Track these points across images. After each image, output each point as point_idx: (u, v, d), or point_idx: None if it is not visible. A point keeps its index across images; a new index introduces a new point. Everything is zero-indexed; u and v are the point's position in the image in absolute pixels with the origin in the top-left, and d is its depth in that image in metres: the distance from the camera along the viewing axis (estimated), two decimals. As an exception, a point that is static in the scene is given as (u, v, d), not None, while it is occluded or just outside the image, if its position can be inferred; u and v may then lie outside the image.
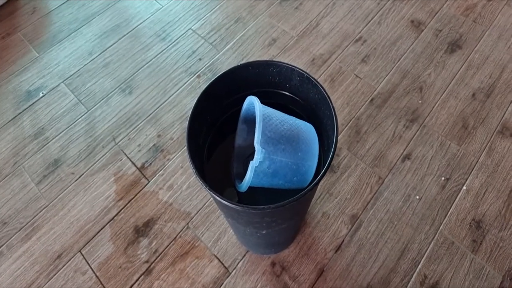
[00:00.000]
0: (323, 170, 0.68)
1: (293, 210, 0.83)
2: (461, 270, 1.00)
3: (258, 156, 0.66)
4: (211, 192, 0.67)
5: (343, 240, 1.06)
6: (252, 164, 0.67)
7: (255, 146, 0.65)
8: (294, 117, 0.76)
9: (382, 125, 1.25)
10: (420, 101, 1.29)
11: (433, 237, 1.05)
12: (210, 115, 0.84)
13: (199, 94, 0.75)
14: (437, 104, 1.28)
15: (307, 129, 0.75)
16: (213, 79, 0.77)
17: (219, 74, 0.78)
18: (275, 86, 0.87)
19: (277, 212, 0.76)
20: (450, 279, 0.99)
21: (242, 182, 0.70)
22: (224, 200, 0.66)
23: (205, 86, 0.76)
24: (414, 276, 1.00)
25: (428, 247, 1.04)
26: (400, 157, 1.19)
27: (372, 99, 1.30)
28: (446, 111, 1.27)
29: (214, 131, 0.88)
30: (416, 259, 1.02)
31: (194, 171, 0.69)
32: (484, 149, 1.19)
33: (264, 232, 0.86)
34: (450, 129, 1.23)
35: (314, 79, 0.79)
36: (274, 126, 0.70)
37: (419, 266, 1.01)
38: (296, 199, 0.67)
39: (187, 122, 0.69)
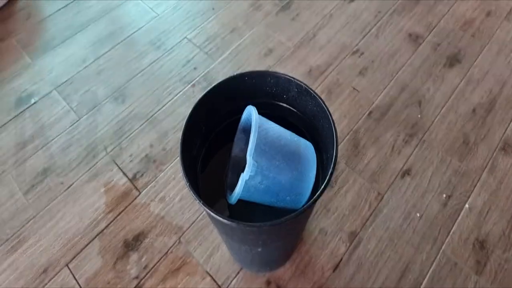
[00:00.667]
0: (323, 186, 0.64)
1: (290, 227, 0.78)
2: (463, 291, 0.96)
3: (248, 169, 0.61)
4: (205, 208, 0.62)
5: (341, 259, 1.01)
6: (243, 177, 0.62)
7: (247, 158, 0.61)
8: (294, 134, 0.72)
9: (380, 139, 1.22)
10: (419, 115, 1.26)
11: (435, 257, 1.01)
12: (204, 126, 0.80)
13: (193, 103, 0.71)
14: (436, 119, 1.25)
15: (306, 149, 0.71)
16: (208, 89, 0.73)
17: (214, 84, 0.74)
18: (272, 97, 0.84)
19: (274, 230, 0.72)
20: (452, 301, 0.95)
21: (232, 194, 0.65)
22: (219, 216, 0.62)
23: (200, 96, 0.72)
24: (414, 297, 0.96)
25: (430, 268, 0.99)
26: (399, 172, 1.15)
27: (370, 112, 1.27)
28: (446, 126, 1.23)
29: (209, 142, 0.83)
30: (418, 280, 0.98)
31: (188, 184, 0.65)
32: (486, 166, 1.15)
33: (259, 250, 0.82)
34: (451, 145, 1.19)
35: (313, 90, 0.75)
36: (270, 139, 0.65)
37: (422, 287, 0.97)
38: (294, 216, 0.63)
39: (181, 133, 0.65)
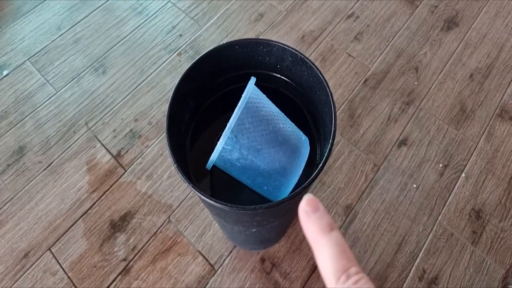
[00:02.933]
0: (320, 165, 0.58)
1: (286, 208, 0.73)
2: (461, 263, 0.93)
3: (223, 141, 0.54)
4: (196, 190, 0.56)
5: (338, 234, 0.97)
6: (217, 147, 0.56)
7: (225, 129, 0.54)
8: (292, 124, 0.64)
9: (376, 108, 1.16)
10: (416, 82, 1.20)
11: (432, 229, 0.97)
12: (193, 99, 0.72)
13: (180, 74, 0.64)
14: (433, 86, 1.19)
15: (298, 143, 0.63)
16: (196, 59, 0.65)
17: (202, 54, 0.66)
18: (265, 68, 0.76)
19: (269, 212, 0.66)
20: (450, 273, 0.92)
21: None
22: (211, 199, 0.56)
23: (186, 65, 0.65)
24: (412, 270, 0.92)
25: (426, 239, 0.96)
26: (396, 142, 1.10)
27: (366, 80, 1.20)
28: (443, 93, 1.18)
29: (198, 117, 0.76)
30: (414, 252, 0.94)
31: (175, 165, 0.58)
32: (483, 134, 1.11)
33: (254, 230, 0.76)
34: (448, 113, 1.14)
35: (309, 60, 0.68)
36: (258, 119, 0.58)
37: (418, 260, 0.93)
38: (291, 198, 0.57)
39: (167, 105, 0.58)
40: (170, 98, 0.62)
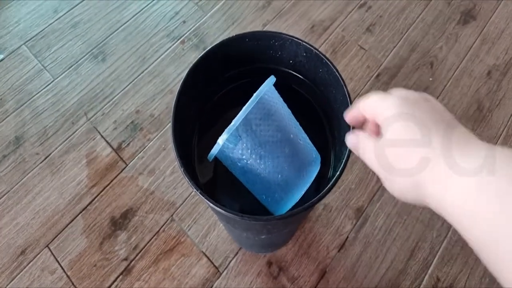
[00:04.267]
0: (340, 170, 0.54)
1: (299, 219, 0.69)
2: (476, 272, 0.90)
3: (224, 136, 0.48)
4: (205, 199, 0.52)
5: (347, 237, 0.94)
6: (219, 141, 0.49)
7: (229, 125, 0.48)
8: (304, 135, 0.58)
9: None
10: (431, 79, 1.15)
11: (446, 235, 0.94)
12: (200, 94, 0.67)
13: (183, 63, 0.60)
14: (449, 83, 1.14)
15: (306, 160, 0.57)
16: (205, 52, 0.59)
17: (211, 47, 0.60)
18: (277, 62, 0.70)
19: (282, 222, 0.62)
20: (465, 282, 0.89)
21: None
22: (222, 209, 0.51)
23: (190, 54, 0.61)
24: (425, 279, 0.89)
25: (440, 246, 0.92)
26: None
27: (378, 75, 1.15)
28: (459, 90, 1.13)
29: (206, 111, 0.71)
30: (428, 259, 0.91)
31: (182, 170, 0.54)
32: (500, 135, 1.06)
33: (263, 237, 0.73)
34: (464, 111, 1.10)
35: (324, 56, 0.62)
36: (267, 123, 0.52)
37: (431, 268, 0.90)
38: (307, 207, 0.53)
39: (170, 97, 0.52)
40: (176, 94, 0.57)
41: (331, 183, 0.54)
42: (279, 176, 0.56)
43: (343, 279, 0.89)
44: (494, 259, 0.23)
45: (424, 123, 0.28)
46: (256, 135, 0.51)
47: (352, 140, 0.38)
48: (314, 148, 0.59)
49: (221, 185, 0.68)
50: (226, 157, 0.54)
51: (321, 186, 0.64)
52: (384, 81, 1.14)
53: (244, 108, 0.48)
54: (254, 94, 0.50)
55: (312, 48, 0.64)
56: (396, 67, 1.16)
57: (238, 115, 0.48)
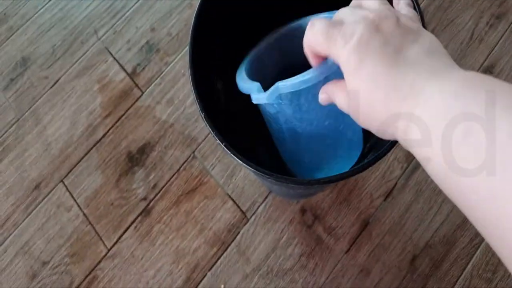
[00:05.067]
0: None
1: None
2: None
3: (265, 95, 0.38)
4: (232, 155, 0.40)
5: (396, 184, 0.79)
6: (257, 95, 0.41)
7: (273, 89, 0.37)
8: (354, 131, 0.48)
9: (456, 22, 0.88)
10: (517, -15, 0.89)
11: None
12: (226, 11, 0.49)
13: None
14: (542, -10, 0.89)
15: (344, 154, 0.49)
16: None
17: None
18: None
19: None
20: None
21: (255, 95, 0.41)
22: (257, 170, 0.40)
23: None
24: (487, 236, 0.76)
25: (509, 198, 0.77)
26: (479, 69, 0.86)
27: (448, -20, 0.91)
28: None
29: (234, 36, 0.53)
30: (492, 213, 0.77)
31: (203, 115, 0.41)
32: None
33: (299, 191, 0.60)
34: None
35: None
36: (318, 105, 0.36)
37: (495, 223, 0.76)
38: (351, 174, 0.41)
39: (189, 12, 0.43)
40: (196, 8, 0.41)
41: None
42: (306, 159, 0.51)
43: (389, 232, 0.77)
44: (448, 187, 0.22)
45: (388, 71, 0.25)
46: (299, 109, 0.40)
47: (323, 98, 0.32)
48: (360, 146, 0.50)
49: (242, 124, 0.54)
50: (264, 112, 0.46)
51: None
52: None
53: (300, 75, 0.34)
54: (321, 67, 0.33)
55: None
56: (474, -30, 0.91)
57: (290, 80, 0.35)
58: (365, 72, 0.25)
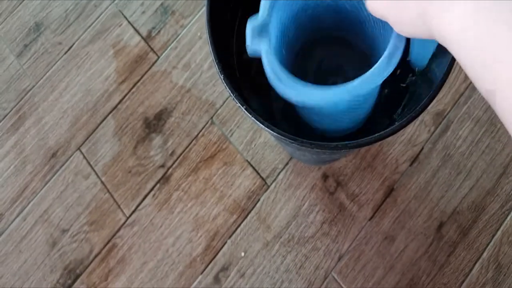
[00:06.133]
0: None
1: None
2: None
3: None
4: (254, 118, 0.37)
5: (422, 148, 0.76)
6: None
7: None
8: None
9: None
10: None
11: (553, 149, 0.74)
12: None
13: None
14: None
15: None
16: None
17: None
18: None
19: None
20: None
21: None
22: (281, 135, 0.37)
23: None
24: (519, 202, 0.72)
25: (544, 163, 0.73)
26: None
27: None
28: None
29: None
30: (524, 178, 0.73)
31: (222, 77, 0.38)
32: None
33: (323, 156, 0.57)
34: None
35: None
36: None
37: (528, 189, 0.73)
38: (380, 138, 0.38)
39: None
40: None
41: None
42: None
43: (414, 198, 0.74)
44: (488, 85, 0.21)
45: None
46: None
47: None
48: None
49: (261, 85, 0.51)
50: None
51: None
52: None
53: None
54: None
55: None
56: None
57: None
58: None
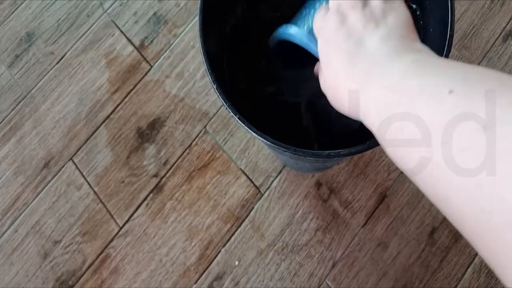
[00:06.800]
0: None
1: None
2: None
3: None
4: (248, 128, 0.38)
5: (414, 156, 0.77)
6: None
7: None
8: None
9: (479, -15, 0.84)
10: None
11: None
12: None
13: None
14: None
15: None
16: None
17: None
18: None
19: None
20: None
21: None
22: (275, 144, 0.37)
23: None
24: None
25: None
26: (500, 34, 0.82)
27: None
28: None
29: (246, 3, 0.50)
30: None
31: (215, 86, 0.39)
32: None
33: (316, 164, 0.58)
34: None
35: None
36: None
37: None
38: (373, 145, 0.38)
39: None
40: None
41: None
42: None
43: (407, 205, 0.75)
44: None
45: (348, 59, 0.26)
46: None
47: (315, 72, 0.36)
48: None
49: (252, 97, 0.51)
50: None
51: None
52: (476, -48, 0.85)
53: None
54: None
55: None
56: None
57: None
58: (331, 68, 0.28)
